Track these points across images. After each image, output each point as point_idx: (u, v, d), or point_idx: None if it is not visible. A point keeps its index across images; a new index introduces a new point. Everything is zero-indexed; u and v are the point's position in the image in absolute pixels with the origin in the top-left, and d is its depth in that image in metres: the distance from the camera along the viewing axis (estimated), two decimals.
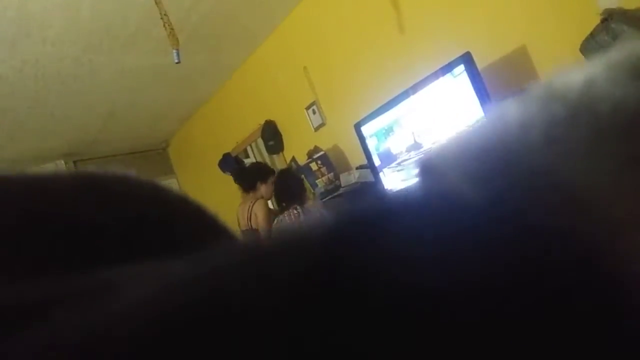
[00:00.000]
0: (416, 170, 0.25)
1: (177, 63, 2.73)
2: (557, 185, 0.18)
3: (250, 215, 3.68)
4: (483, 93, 2.66)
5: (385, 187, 3.21)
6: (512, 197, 0.19)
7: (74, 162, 5.39)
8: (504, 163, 0.20)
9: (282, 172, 3.64)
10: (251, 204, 3.69)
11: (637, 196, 0.17)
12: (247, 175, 3.83)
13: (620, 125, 0.18)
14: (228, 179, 5.04)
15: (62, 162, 5.24)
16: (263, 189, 3.74)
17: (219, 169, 5.03)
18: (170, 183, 5.99)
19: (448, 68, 2.80)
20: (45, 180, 0.28)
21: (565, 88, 0.20)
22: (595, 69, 0.20)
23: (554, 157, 0.19)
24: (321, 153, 3.82)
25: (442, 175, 0.22)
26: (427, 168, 0.24)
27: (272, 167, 4.66)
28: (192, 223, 0.29)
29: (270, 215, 3.66)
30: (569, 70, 0.21)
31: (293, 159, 4.27)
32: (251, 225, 3.69)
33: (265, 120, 4.51)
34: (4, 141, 4.50)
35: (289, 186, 3.39)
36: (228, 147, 4.97)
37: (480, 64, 2.72)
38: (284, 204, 3.37)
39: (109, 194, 0.27)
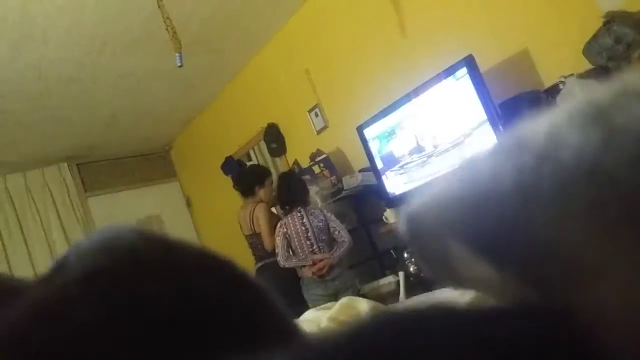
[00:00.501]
0: (404, 223, 0.28)
1: (179, 66, 2.73)
2: (528, 235, 0.19)
3: (253, 220, 3.67)
4: (485, 96, 2.65)
5: (388, 190, 3.21)
6: (488, 247, 0.21)
7: (77, 165, 5.40)
8: (476, 214, 0.21)
9: (285, 174, 3.63)
10: (252, 209, 3.68)
11: (604, 241, 0.18)
12: (243, 180, 3.81)
13: (582, 172, 0.19)
14: (230, 182, 5.05)
15: (65, 165, 5.25)
16: (262, 192, 3.72)
17: (221, 172, 5.03)
18: (173, 186, 5.99)
19: (450, 71, 2.80)
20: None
21: (532, 138, 0.21)
22: (558, 117, 0.21)
23: (523, 206, 0.20)
24: (323, 156, 3.82)
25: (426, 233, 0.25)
26: (413, 221, 0.27)
27: (270, 169, 4.66)
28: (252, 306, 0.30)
29: (272, 218, 3.65)
30: (536, 119, 0.22)
31: (295, 162, 4.27)
32: (254, 230, 3.68)
33: (268, 123, 4.51)
34: (6, 144, 4.51)
35: (292, 189, 3.39)
36: (230, 150, 4.97)
37: (482, 67, 2.72)
38: (287, 207, 3.37)
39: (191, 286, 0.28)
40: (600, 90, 0.21)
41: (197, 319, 0.26)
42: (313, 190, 3.57)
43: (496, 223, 0.21)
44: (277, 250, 3.31)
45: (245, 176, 3.83)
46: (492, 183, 0.21)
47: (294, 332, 0.31)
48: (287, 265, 3.27)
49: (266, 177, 3.76)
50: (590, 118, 0.20)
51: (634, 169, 0.18)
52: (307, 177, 3.71)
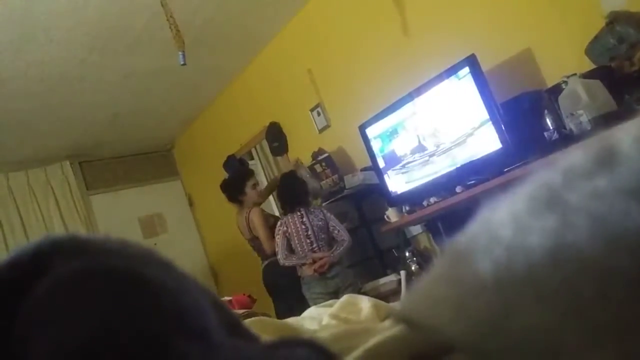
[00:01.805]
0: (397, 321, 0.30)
1: (182, 65, 2.74)
2: (509, 324, 0.20)
3: (249, 224, 3.66)
4: (488, 95, 2.66)
5: (390, 189, 3.21)
6: (474, 342, 0.22)
7: (80, 163, 5.41)
8: (454, 307, 0.23)
9: (287, 175, 3.63)
10: (247, 214, 3.67)
11: (574, 323, 0.19)
12: (226, 193, 3.76)
13: (548, 256, 0.20)
14: None
15: (68, 163, 5.26)
16: (247, 198, 3.69)
17: (223, 171, 5.04)
18: (175, 184, 6.00)
19: (453, 70, 2.80)
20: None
21: (499, 229, 0.22)
22: (518, 204, 0.22)
23: (502, 298, 0.21)
24: (325, 155, 3.82)
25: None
26: (405, 320, 0.28)
27: (272, 167, 4.65)
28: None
29: (268, 220, 3.65)
30: (499, 205, 0.24)
31: (297, 161, 4.27)
32: (253, 234, 3.67)
33: (270, 122, 4.51)
34: (9, 142, 4.52)
35: (293, 189, 3.39)
36: (233, 149, 4.98)
37: (485, 66, 2.72)
38: (287, 207, 3.37)
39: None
40: (550, 170, 0.23)
41: None
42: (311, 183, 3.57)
43: (479, 317, 0.22)
44: (277, 249, 3.31)
45: (226, 189, 3.78)
46: (474, 281, 0.22)
47: None
48: (286, 264, 3.27)
49: (244, 183, 3.70)
50: (546, 202, 0.21)
51: (595, 244, 0.19)
52: (307, 174, 3.71)
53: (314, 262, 3.19)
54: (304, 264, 3.24)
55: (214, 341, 0.26)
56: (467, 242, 0.24)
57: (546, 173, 0.23)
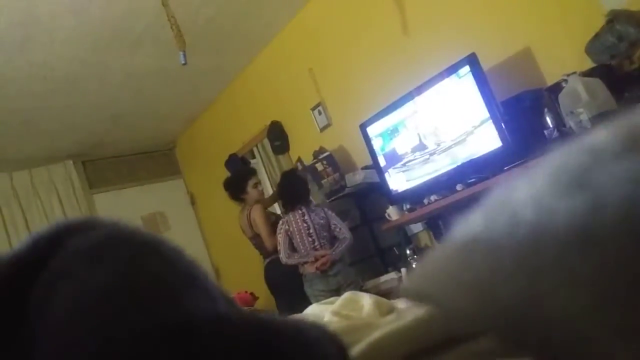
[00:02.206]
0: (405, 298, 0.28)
1: (183, 64, 2.75)
2: (537, 311, 0.20)
3: (251, 223, 3.68)
4: (488, 94, 2.67)
5: (391, 187, 3.22)
6: (498, 327, 0.21)
7: (82, 162, 5.43)
8: (480, 293, 0.22)
9: (287, 173, 3.65)
10: (248, 212, 3.68)
11: (605, 313, 0.18)
12: (228, 192, 3.79)
13: (579, 241, 0.19)
14: None
15: (71, 162, 5.28)
16: (249, 197, 3.71)
17: (225, 170, 5.05)
18: (177, 183, 6.02)
19: (453, 69, 2.81)
20: None
21: (521, 209, 0.21)
22: (540, 183, 0.21)
23: (528, 283, 0.20)
24: (327, 153, 3.83)
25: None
26: (413, 297, 0.27)
27: (274, 166, 4.66)
28: None
29: (270, 218, 3.67)
30: (517, 185, 0.23)
31: (299, 160, 4.29)
32: (254, 232, 3.69)
33: (271, 121, 4.53)
34: (13, 142, 4.54)
35: (294, 187, 3.41)
36: (234, 148, 4.99)
37: (485, 65, 2.73)
38: (288, 205, 3.39)
39: None
40: (573, 149, 0.22)
41: None
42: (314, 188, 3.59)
43: (504, 304, 0.21)
44: (279, 248, 3.33)
45: (228, 187, 3.80)
46: (495, 263, 0.21)
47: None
48: (289, 263, 3.29)
49: (246, 182, 3.72)
50: (573, 182, 0.20)
51: (627, 228, 0.18)
52: (309, 176, 3.73)
53: (316, 260, 3.20)
54: (305, 262, 3.26)
55: (223, 306, 0.27)
56: (485, 223, 0.23)
57: (568, 154, 0.22)
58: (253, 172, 3.86)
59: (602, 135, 0.22)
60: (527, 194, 0.21)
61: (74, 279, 0.25)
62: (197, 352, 0.23)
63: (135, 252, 0.27)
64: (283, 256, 3.29)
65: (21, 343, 0.25)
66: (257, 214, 3.62)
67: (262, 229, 3.58)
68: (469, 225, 0.24)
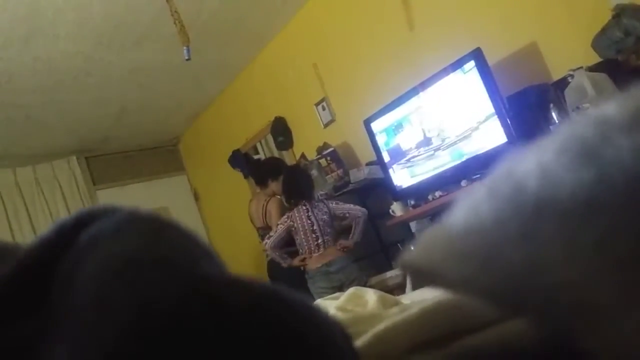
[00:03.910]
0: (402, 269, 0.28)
1: (187, 60, 2.75)
2: (541, 279, 0.20)
3: (265, 213, 3.70)
4: (493, 89, 2.65)
5: (395, 183, 3.21)
6: (499, 294, 0.21)
7: (86, 158, 5.44)
8: (483, 261, 0.22)
9: (290, 168, 3.64)
10: (265, 202, 3.71)
11: (608, 280, 0.18)
12: (259, 170, 3.83)
13: (584, 211, 0.19)
14: (238, 175, 5.06)
15: (74, 158, 5.29)
16: (274, 185, 3.73)
17: (229, 166, 5.05)
18: (181, 179, 6.02)
19: (458, 64, 2.80)
20: None
21: (525, 180, 0.21)
22: (547, 156, 0.21)
23: (532, 250, 0.20)
24: (330, 149, 3.82)
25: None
26: (413, 269, 0.27)
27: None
28: None
29: (285, 213, 3.68)
30: (522, 157, 0.23)
31: (302, 156, 4.28)
32: (266, 223, 3.71)
33: (275, 117, 4.52)
34: (16, 137, 4.55)
35: (298, 183, 3.40)
36: (238, 144, 4.99)
37: (490, 60, 2.71)
38: (292, 201, 3.38)
39: None
40: (582, 122, 0.22)
41: None
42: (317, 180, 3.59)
43: (507, 271, 0.21)
44: (271, 234, 3.31)
45: (261, 167, 3.85)
46: (497, 231, 0.21)
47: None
48: (270, 253, 3.29)
49: (281, 172, 3.75)
50: (580, 155, 0.20)
51: (632, 201, 0.18)
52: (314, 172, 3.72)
53: (310, 255, 3.21)
54: (288, 261, 3.27)
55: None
56: (488, 191, 0.23)
57: (575, 126, 0.22)
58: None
59: (610, 109, 0.22)
60: (533, 164, 0.22)
61: (100, 248, 0.27)
62: (225, 311, 0.24)
63: (157, 225, 0.29)
64: (270, 243, 3.26)
65: (48, 311, 0.26)
66: (274, 207, 3.66)
67: (275, 223, 3.60)
68: (471, 198, 0.24)
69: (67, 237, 0.28)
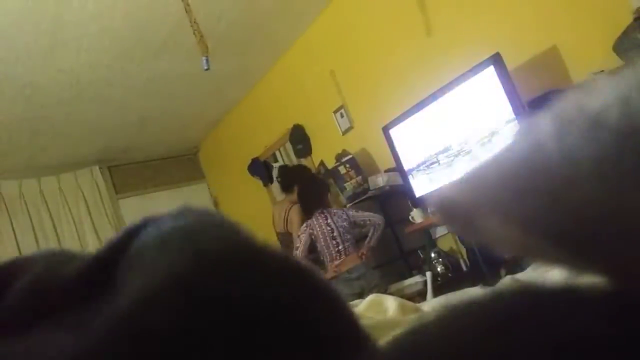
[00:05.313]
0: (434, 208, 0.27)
1: (206, 70, 2.78)
2: (619, 219, 0.18)
3: (286, 220, 3.74)
4: (513, 95, 2.62)
5: (414, 190, 3.19)
6: (566, 237, 0.19)
7: (108, 167, 5.52)
8: (556, 200, 0.19)
9: (307, 176, 3.65)
10: (287, 209, 3.74)
11: None
12: (287, 176, 3.83)
13: None
14: (257, 183, 5.09)
15: (97, 167, 5.38)
16: (292, 195, 3.75)
17: (248, 173, 5.08)
18: (201, 187, 6.07)
19: (477, 69, 2.78)
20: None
21: (602, 110, 0.19)
22: (625, 86, 0.19)
23: (610, 189, 0.18)
24: (349, 156, 3.82)
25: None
26: (453, 207, 0.25)
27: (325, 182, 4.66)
28: None
29: (305, 221, 3.69)
30: (598, 89, 0.20)
31: (321, 163, 4.29)
32: (286, 229, 3.75)
33: (294, 125, 4.54)
34: (41, 148, 4.64)
35: (314, 191, 3.41)
36: (257, 152, 5.02)
37: (510, 65, 2.69)
38: (308, 210, 3.39)
39: None
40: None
41: (278, 325, 0.26)
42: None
43: (582, 213, 0.19)
44: (297, 245, 3.32)
45: (289, 172, 3.85)
46: (571, 170, 0.19)
47: (367, 341, 0.30)
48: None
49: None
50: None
51: None
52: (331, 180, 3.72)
53: (333, 265, 3.21)
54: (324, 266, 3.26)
55: None
56: (556, 127, 0.21)
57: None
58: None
59: None
60: (611, 97, 0.19)
61: (157, 227, 0.31)
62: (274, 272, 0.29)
63: (205, 212, 0.34)
64: (299, 254, 3.28)
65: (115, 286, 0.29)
66: (294, 214, 3.70)
67: (295, 230, 3.62)
68: (531, 135, 0.21)
69: (131, 235, 0.32)
